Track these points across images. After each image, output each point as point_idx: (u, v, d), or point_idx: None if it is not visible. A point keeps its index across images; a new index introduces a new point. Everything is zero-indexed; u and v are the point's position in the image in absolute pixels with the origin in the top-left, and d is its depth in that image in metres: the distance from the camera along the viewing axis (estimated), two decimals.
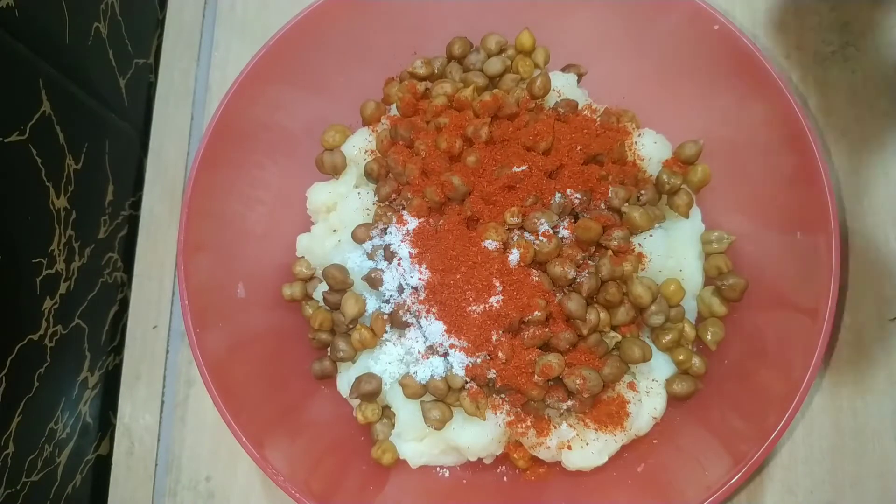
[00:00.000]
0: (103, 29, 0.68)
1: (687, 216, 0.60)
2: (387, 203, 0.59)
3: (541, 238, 0.54)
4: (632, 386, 0.56)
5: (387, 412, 0.59)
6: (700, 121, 0.61)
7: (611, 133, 0.59)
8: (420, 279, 0.54)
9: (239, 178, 0.62)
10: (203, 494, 0.64)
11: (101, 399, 0.70)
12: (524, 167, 0.55)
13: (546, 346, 0.54)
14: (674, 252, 0.59)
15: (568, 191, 0.56)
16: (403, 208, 0.58)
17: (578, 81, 0.63)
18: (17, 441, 0.57)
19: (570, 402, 0.54)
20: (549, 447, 0.55)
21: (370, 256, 0.58)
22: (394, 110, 0.63)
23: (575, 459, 0.55)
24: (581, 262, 0.55)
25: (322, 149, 0.63)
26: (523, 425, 0.55)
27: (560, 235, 0.55)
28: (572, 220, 0.56)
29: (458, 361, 0.54)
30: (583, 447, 0.55)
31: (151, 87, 0.76)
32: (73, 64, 0.63)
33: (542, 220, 0.54)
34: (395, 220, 0.57)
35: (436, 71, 0.63)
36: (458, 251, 0.54)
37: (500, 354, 0.52)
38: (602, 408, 0.55)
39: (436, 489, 0.59)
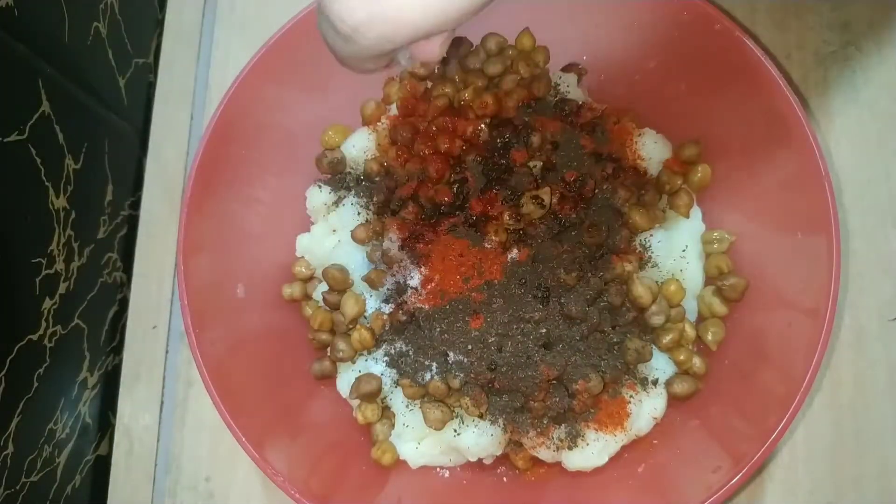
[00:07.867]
0: (103, 29, 0.68)
1: (687, 216, 0.60)
2: (386, 203, 0.59)
3: (541, 238, 0.54)
4: (631, 386, 0.56)
5: (387, 412, 0.59)
6: (700, 121, 0.61)
7: (611, 133, 0.59)
8: (420, 279, 0.54)
9: (239, 178, 0.62)
10: (203, 494, 0.64)
11: (100, 399, 0.70)
12: (524, 168, 0.55)
13: (546, 347, 0.54)
14: (674, 252, 0.58)
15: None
16: (403, 209, 0.57)
17: (578, 81, 0.63)
18: (17, 441, 0.57)
19: (570, 403, 0.54)
20: (549, 447, 0.55)
21: (370, 257, 0.58)
22: (394, 110, 0.63)
23: (575, 460, 0.55)
24: (581, 262, 0.55)
25: (322, 149, 0.63)
26: (523, 426, 0.54)
27: (560, 236, 0.55)
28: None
29: (458, 362, 0.53)
30: (583, 447, 0.55)
31: (151, 87, 0.76)
32: (73, 64, 0.63)
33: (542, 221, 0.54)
34: (394, 220, 0.57)
35: (436, 71, 0.63)
36: (457, 251, 0.54)
37: (500, 355, 0.52)
38: (602, 408, 0.55)
39: (436, 489, 0.59)
